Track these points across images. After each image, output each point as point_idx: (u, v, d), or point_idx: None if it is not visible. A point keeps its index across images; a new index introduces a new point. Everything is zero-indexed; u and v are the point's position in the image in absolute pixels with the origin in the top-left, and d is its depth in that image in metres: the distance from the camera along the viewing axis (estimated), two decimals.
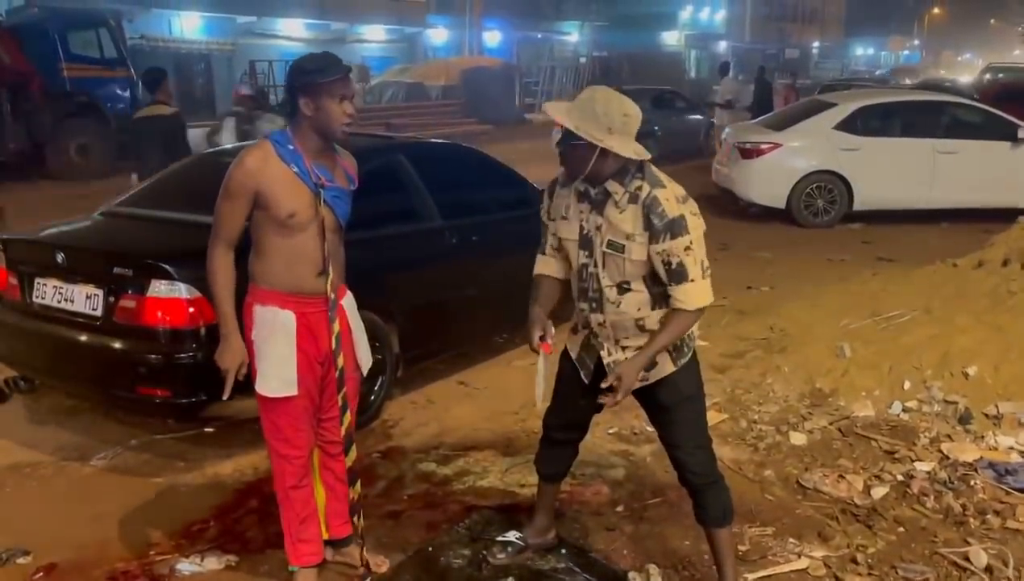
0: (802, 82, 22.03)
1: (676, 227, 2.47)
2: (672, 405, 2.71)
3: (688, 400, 2.72)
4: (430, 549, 3.17)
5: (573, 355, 2.82)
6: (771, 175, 9.78)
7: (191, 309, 3.59)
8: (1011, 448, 3.94)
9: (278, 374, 2.73)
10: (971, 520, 3.41)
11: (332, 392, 2.87)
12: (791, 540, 3.29)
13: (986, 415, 4.20)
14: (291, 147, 2.66)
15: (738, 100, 14.50)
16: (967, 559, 3.13)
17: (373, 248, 4.13)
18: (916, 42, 79.15)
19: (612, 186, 2.54)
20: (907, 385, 4.49)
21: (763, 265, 8.02)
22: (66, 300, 3.86)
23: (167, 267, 3.59)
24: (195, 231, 4.02)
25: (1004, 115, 9.84)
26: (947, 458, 3.89)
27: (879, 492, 3.62)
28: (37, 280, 3.97)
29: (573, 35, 41.26)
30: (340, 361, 2.81)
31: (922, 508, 3.51)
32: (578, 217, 2.64)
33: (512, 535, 3.15)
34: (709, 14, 53.19)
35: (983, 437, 4.04)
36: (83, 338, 3.78)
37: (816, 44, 63.65)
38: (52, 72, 13.98)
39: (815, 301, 5.91)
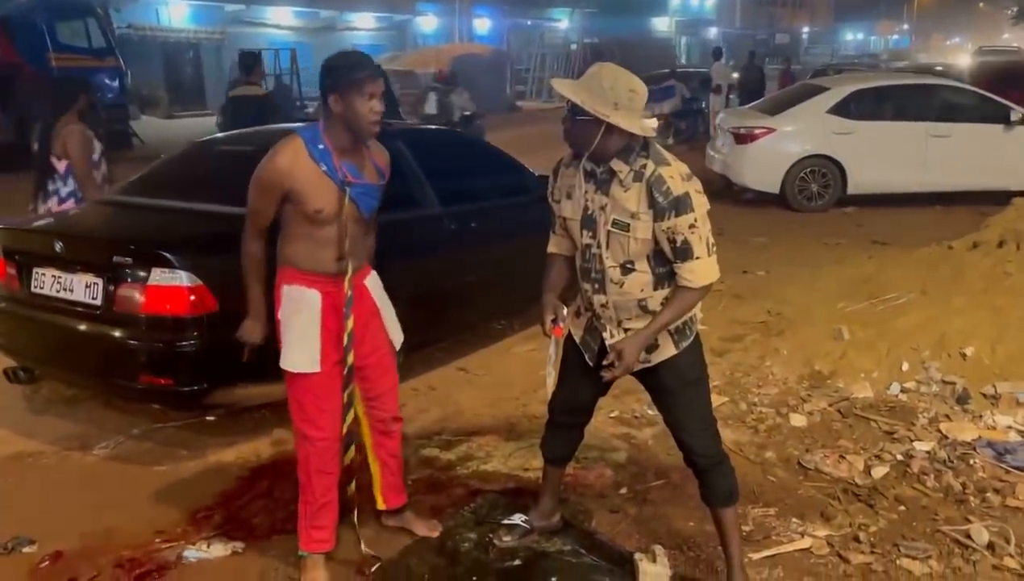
0: (795, 67, 21.99)
1: (681, 205, 2.48)
2: (676, 388, 2.72)
3: (692, 382, 2.73)
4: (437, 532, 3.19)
5: (576, 338, 2.82)
6: (765, 160, 9.79)
7: (192, 297, 3.57)
8: (1009, 427, 3.98)
9: (302, 350, 2.80)
10: (971, 498, 3.44)
11: (380, 367, 2.98)
12: (794, 520, 3.32)
13: (984, 395, 4.24)
14: (320, 146, 2.71)
15: (731, 85, 14.52)
16: (968, 536, 3.16)
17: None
18: (905, 26, 79.18)
19: (617, 165, 2.55)
20: (905, 366, 4.52)
21: (758, 250, 8.04)
22: (65, 289, 3.84)
23: (168, 255, 3.57)
24: (194, 219, 4.06)
25: (996, 98, 9.88)
26: (946, 438, 3.92)
27: (879, 472, 3.65)
28: (35, 270, 3.95)
29: (563, 22, 41.10)
30: (350, 359, 2.87)
31: (922, 487, 3.54)
32: (583, 197, 2.64)
33: (518, 518, 3.15)
34: (699, 0, 53.10)
35: (981, 417, 4.08)
36: (83, 328, 3.76)
37: (806, 29, 63.69)
38: (41, 63, 13.87)
39: (812, 284, 5.94)
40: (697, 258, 2.52)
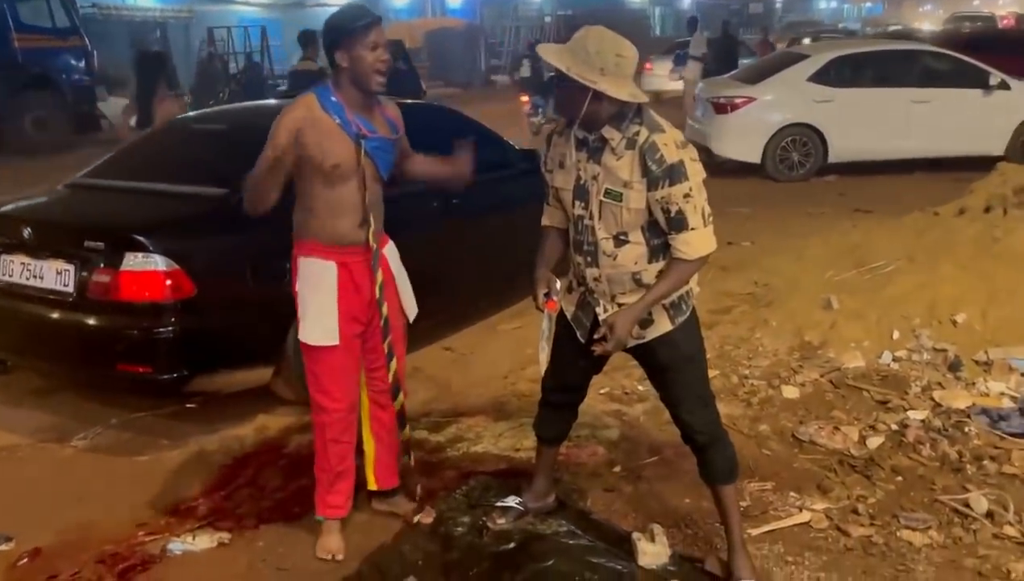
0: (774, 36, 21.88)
1: (675, 173, 2.39)
2: (672, 365, 2.64)
3: (688, 358, 2.65)
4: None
5: (568, 314, 2.74)
6: (745, 129, 9.72)
7: (169, 281, 3.46)
8: (1002, 393, 3.94)
9: (320, 323, 2.77)
10: (968, 467, 3.41)
11: (377, 343, 2.90)
12: (792, 494, 3.27)
13: (976, 362, 4.20)
14: (333, 99, 2.68)
15: (707, 55, 14.37)
16: (967, 505, 3.12)
17: None
18: None
19: (609, 132, 2.45)
20: (896, 335, 4.48)
21: (742, 220, 7.97)
22: (35, 277, 3.70)
23: (141, 239, 3.45)
24: (167, 201, 3.92)
25: (976, 63, 9.85)
26: (940, 406, 3.88)
27: (875, 442, 3.61)
28: (3, 257, 3.80)
29: None
30: (384, 310, 2.83)
31: (918, 456, 3.51)
32: (575, 166, 2.55)
33: (511, 500, 3.09)
34: None
35: (974, 383, 4.04)
36: (56, 316, 3.63)
37: None
38: (3, 43, 13.49)
39: (798, 254, 5.88)
40: (692, 229, 2.44)
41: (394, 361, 2.92)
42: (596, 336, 2.55)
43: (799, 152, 9.72)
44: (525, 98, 13.75)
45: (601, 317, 2.61)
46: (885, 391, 4.04)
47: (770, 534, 3.02)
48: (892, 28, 27.66)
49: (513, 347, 4.81)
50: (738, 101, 9.72)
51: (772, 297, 5.20)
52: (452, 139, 3.04)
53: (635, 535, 2.87)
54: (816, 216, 8.01)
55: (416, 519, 3.08)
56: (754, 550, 2.89)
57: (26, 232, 3.71)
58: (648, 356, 2.66)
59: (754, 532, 3.00)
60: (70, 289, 3.59)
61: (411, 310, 3.05)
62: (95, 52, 15.39)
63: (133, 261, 3.45)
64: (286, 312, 2.98)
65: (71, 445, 3.87)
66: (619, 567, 2.76)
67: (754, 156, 9.77)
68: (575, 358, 2.76)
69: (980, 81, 9.67)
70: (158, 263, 3.45)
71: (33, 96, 13.57)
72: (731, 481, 2.70)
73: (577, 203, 2.56)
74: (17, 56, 13.65)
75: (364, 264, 2.80)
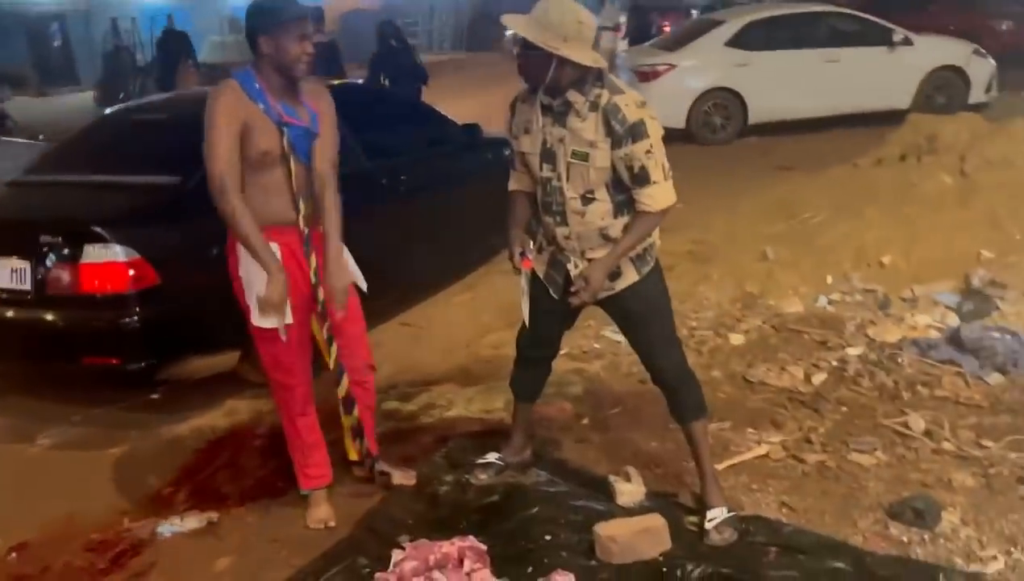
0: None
1: (636, 131, 2.54)
2: (641, 311, 2.81)
3: (655, 306, 2.83)
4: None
5: (541, 274, 2.87)
6: (668, 96, 9.90)
7: (131, 271, 3.46)
8: (929, 326, 4.26)
9: None
10: (904, 393, 3.70)
11: (346, 315, 2.90)
12: (749, 430, 3.50)
13: (903, 299, 4.53)
14: (257, 85, 2.67)
15: (618, 26, 14.58)
16: (907, 427, 3.40)
17: None
18: None
19: (572, 96, 2.59)
20: (829, 279, 4.78)
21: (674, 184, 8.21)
22: None
23: (100, 230, 3.44)
24: (120, 192, 3.90)
25: (879, 21, 10.27)
26: (874, 341, 4.18)
27: (819, 378, 3.87)
28: None
29: None
30: (321, 294, 2.83)
31: (859, 388, 3.78)
32: (541, 131, 2.68)
33: (491, 456, 3.22)
34: None
35: (903, 319, 4.35)
36: (16, 315, 3.59)
37: None
38: None
39: (731, 212, 6.15)
40: (654, 182, 2.60)
41: (334, 346, 2.92)
42: (572, 290, 2.70)
43: (721, 115, 10.01)
44: None
45: (573, 273, 2.75)
46: (823, 332, 4.32)
47: (733, 467, 3.24)
48: None
49: (469, 317, 4.93)
50: (660, 69, 9.94)
51: (711, 253, 5.45)
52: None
53: (611, 477, 3.05)
54: (743, 176, 8.30)
55: (397, 482, 3.17)
56: (721, 482, 3.09)
57: None
58: (617, 306, 2.83)
59: (720, 467, 3.20)
60: (27, 286, 3.56)
61: (361, 281, 3.02)
62: None
63: (93, 253, 3.44)
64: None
65: (37, 444, 3.85)
66: (599, 507, 2.93)
67: (678, 121, 10.00)
68: (549, 315, 2.90)
69: (885, 39, 10.10)
70: (119, 253, 3.45)
71: None
72: (701, 417, 2.89)
73: (545, 166, 2.69)
74: None
75: (302, 243, 2.81)
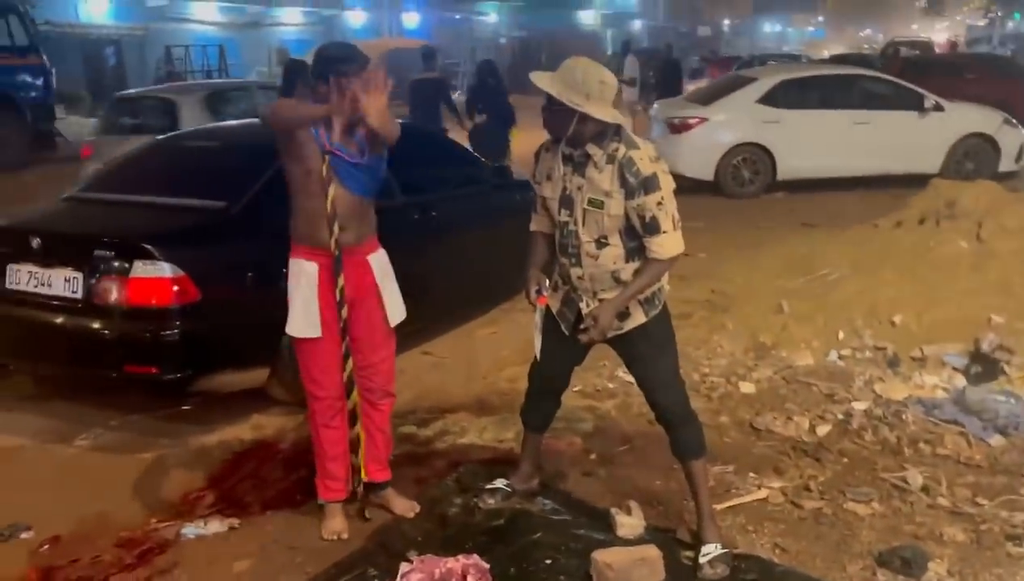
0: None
1: (649, 184, 2.74)
2: (647, 351, 2.98)
3: (661, 346, 2.99)
4: (423, 501, 3.38)
5: (554, 309, 3.06)
6: (699, 148, 10.18)
7: (175, 287, 3.70)
8: (936, 386, 4.36)
9: (304, 318, 3.02)
10: (905, 449, 3.80)
11: (363, 341, 3.12)
12: (751, 474, 3.62)
13: (912, 358, 4.63)
14: None
15: (638, 79, 14.79)
16: (905, 481, 3.50)
17: None
18: (820, 18, 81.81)
19: (592, 149, 2.80)
20: (841, 335, 4.90)
21: (696, 234, 8.23)
22: (42, 284, 3.90)
23: (150, 247, 3.68)
24: (170, 212, 4.16)
25: (911, 86, 10.46)
26: (880, 397, 4.29)
27: (823, 430, 3.99)
28: (10, 266, 4.00)
29: (492, 16, 41.33)
30: (344, 313, 3.05)
31: (862, 441, 3.89)
32: (561, 179, 2.89)
33: (500, 483, 3.38)
34: None
35: (911, 377, 4.46)
36: (65, 321, 3.84)
37: (727, 22, 65.25)
38: None
39: (751, 264, 6.31)
40: (664, 232, 2.79)
41: (349, 362, 3.11)
42: (581, 327, 2.89)
43: (749, 170, 10.21)
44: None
45: (584, 311, 2.94)
46: (832, 385, 4.44)
47: (732, 509, 3.36)
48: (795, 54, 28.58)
49: (489, 350, 5.11)
50: (691, 121, 10.19)
51: (728, 303, 5.60)
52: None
53: (613, 510, 3.19)
54: (766, 230, 8.46)
55: (399, 512, 3.30)
56: (719, 521, 3.22)
57: (35, 242, 3.91)
58: (625, 345, 3.00)
59: (719, 507, 3.32)
60: (79, 295, 3.81)
61: (394, 316, 3.23)
62: (53, 70, 15.36)
63: (142, 268, 3.68)
64: (282, 317, 3.15)
65: (75, 445, 4.07)
66: (600, 537, 3.07)
67: (707, 173, 10.23)
68: (560, 350, 3.09)
69: (916, 104, 10.27)
70: (165, 270, 3.69)
71: None
72: (700, 456, 3.04)
73: (563, 211, 2.90)
74: None
75: (343, 265, 3.02)
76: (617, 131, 2.81)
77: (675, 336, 3.07)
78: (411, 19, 35.95)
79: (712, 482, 3.53)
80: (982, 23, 51.98)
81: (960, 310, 4.87)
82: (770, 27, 75.84)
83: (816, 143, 10.09)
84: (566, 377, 3.26)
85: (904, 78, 10.91)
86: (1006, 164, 10.33)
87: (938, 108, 10.27)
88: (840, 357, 4.75)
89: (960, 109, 10.51)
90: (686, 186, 10.51)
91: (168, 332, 3.72)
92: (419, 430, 4.09)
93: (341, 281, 3.02)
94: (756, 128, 10.11)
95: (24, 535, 3.27)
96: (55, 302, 3.87)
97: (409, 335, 5.19)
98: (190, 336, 3.73)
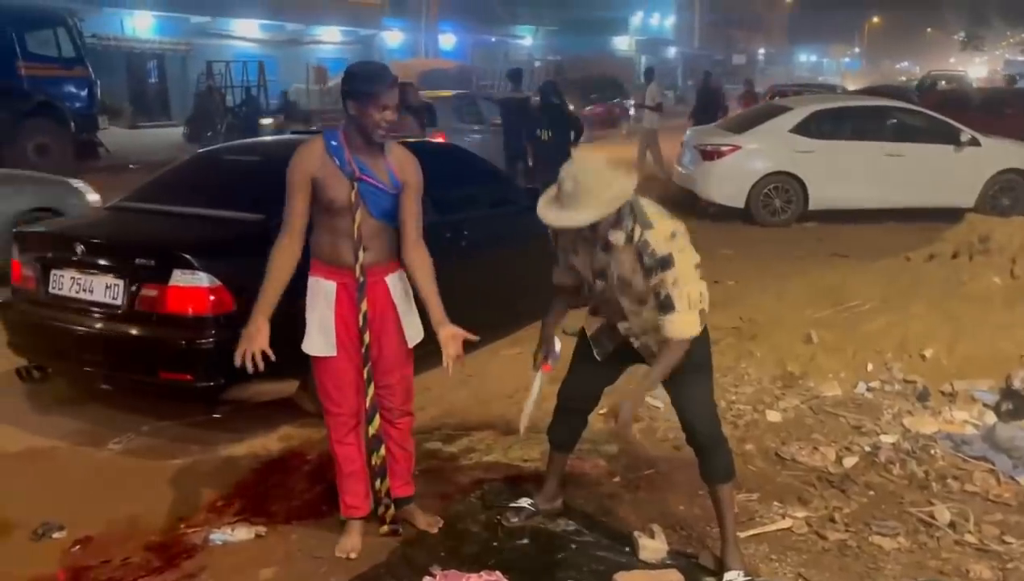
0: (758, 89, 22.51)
1: (664, 264, 2.75)
2: (684, 371, 2.97)
3: (698, 367, 2.99)
4: (447, 517, 3.41)
5: (589, 334, 3.09)
6: (731, 176, 10.19)
7: (212, 297, 3.78)
8: (965, 421, 4.32)
9: (320, 335, 3.06)
10: (933, 484, 3.77)
11: (388, 362, 3.14)
12: (775, 504, 3.61)
13: (942, 392, 4.59)
14: (334, 143, 2.98)
15: (663, 104, 14.88)
16: (932, 516, 3.47)
17: None
18: (856, 50, 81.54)
19: (613, 236, 2.81)
20: (870, 367, 4.87)
21: (726, 261, 8.39)
22: (84, 290, 4.01)
23: (189, 257, 3.77)
24: (209, 224, 4.25)
25: (947, 120, 10.40)
26: (909, 431, 4.25)
27: (850, 461, 3.97)
28: (54, 272, 4.11)
29: (527, 39, 41.71)
30: (366, 338, 3.07)
31: (889, 474, 3.86)
32: (588, 255, 2.92)
33: (523, 501, 3.40)
34: (659, 20, 54.17)
35: (940, 412, 4.42)
36: (105, 327, 3.94)
37: (762, 51, 65.25)
38: (9, 71, 13.83)
39: (780, 293, 6.28)
40: (677, 311, 2.78)
41: (371, 387, 3.12)
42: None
43: (781, 199, 10.19)
44: None
45: (635, 345, 2.98)
46: (860, 417, 4.41)
47: (756, 537, 3.35)
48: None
49: (515, 370, 5.13)
50: (724, 149, 10.21)
51: (756, 331, 5.59)
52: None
53: (636, 533, 3.20)
54: (796, 259, 8.45)
55: (422, 527, 3.34)
56: (742, 549, 3.22)
57: (78, 249, 4.02)
58: None
59: (742, 535, 3.32)
60: (119, 302, 3.91)
61: (412, 337, 3.23)
62: (98, 82, 15.76)
63: (181, 277, 3.77)
64: None
65: (108, 448, 4.15)
66: (622, 560, 3.09)
67: (739, 201, 10.23)
68: (592, 371, 3.12)
69: (951, 137, 10.21)
70: (203, 280, 3.78)
71: (37, 123, 13.86)
72: (728, 481, 3.04)
73: (598, 282, 2.94)
74: (23, 84, 13.98)
75: (364, 285, 3.04)
76: (632, 209, 2.79)
77: (712, 360, 3.08)
78: (447, 40, 36.36)
79: (736, 510, 3.53)
80: (1021, 58, 51.45)
81: (992, 346, 4.82)
82: (805, 57, 75.68)
83: (849, 174, 10.06)
84: (597, 397, 3.28)
85: (945, 113, 10.84)
86: None
87: (974, 142, 10.20)
88: (868, 389, 4.72)
89: (997, 144, 10.44)
90: (717, 214, 10.59)
91: (203, 340, 3.80)
92: (444, 446, 4.13)
93: (364, 306, 3.04)
94: (789, 157, 10.10)
95: (56, 535, 3.35)
96: (96, 308, 3.98)
97: (434, 353, 5.28)
98: (224, 345, 3.78)
